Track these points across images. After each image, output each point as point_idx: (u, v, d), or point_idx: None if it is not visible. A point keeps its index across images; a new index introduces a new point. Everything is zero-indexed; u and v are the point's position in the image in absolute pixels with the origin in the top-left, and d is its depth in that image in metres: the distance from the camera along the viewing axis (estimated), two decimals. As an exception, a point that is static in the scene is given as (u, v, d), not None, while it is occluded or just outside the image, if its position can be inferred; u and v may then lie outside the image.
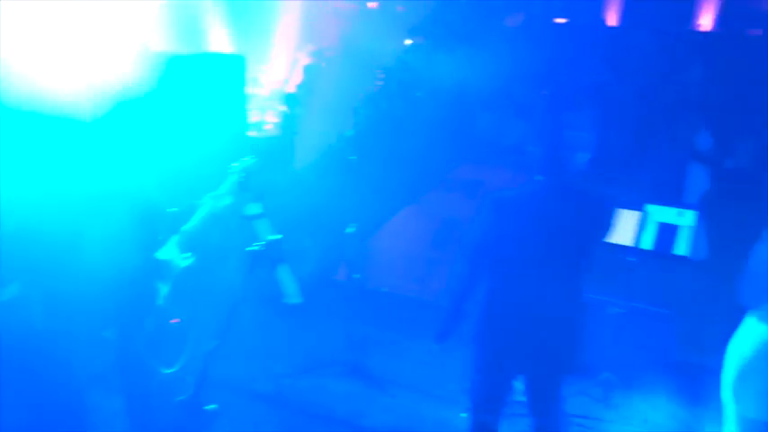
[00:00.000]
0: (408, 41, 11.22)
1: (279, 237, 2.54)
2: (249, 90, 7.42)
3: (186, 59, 4.65)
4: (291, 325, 4.39)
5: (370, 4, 11.07)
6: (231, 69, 4.81)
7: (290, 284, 2.71)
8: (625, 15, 11.16)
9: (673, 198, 5.03)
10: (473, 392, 2.77)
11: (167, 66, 4.38)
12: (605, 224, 2.54)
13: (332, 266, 4.87)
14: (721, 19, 10.55)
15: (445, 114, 8.48)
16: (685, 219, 3.39)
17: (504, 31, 11.06)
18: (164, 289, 3.34)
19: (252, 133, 7.09)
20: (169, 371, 3.56)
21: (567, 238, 2.48)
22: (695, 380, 3.89)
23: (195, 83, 4.46)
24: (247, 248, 2.48)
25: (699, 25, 11.24)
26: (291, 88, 7.69)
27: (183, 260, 3.18)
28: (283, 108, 7.02)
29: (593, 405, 3.80)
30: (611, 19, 11.43)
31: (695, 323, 4.45)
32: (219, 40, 7.35)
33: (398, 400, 3.79)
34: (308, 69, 7.96)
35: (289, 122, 6.76)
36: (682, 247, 3.35)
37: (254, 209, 2.91)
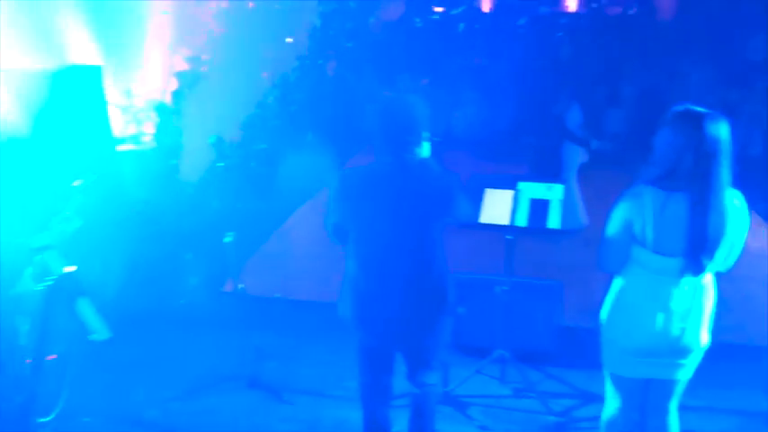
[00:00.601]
0: (289, 39, 11.06)
1: (72, 269, 2.31)
2: (121, 102, 7.05)
3: (38, 75, 4.33)
4: (177, 343, 4.19)
5: (249, 4, 10.81)
6: (87, 81, 4.50)
7: (92, 319, 2.51)
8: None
9: (542, 174, 5.23)
10: (359, 379, 2.83)
11: (20, 83, 4.06)
12: (451, 203, 2.59)
13: (216, 278, 4.70)
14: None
15: (331, 111, 8.46)
16: (555, 192, 3.49)
17: (381, 25, 11.16)
18: (24, 325, 3.07)
19: (129, 146, 6.75)
20: (46, 419, 3.30)
21: (413, 216, 2.54)
22: (584, 346, 4.06)
23: (49, 99, 4.16)
24: (39, 285, 2.25)
25: (566, 6, 11.79)
26: (166, 97, 7.37)
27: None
28: (158, 118, 6.70)
29: (489, 383, 3.87)
30: (485, 5, 11.77)
31: (577, 290, 4.65)
32: (86, 52, 6.93)
33: (298, 407, 3.70)
34: (182, 76, 7.64)
35: (164, 132, 6.46)
36: (554, 220, 3.45)
37: (40, 240, 2.63)
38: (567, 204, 3.83)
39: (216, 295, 4.74)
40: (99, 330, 2.55)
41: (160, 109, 6.87)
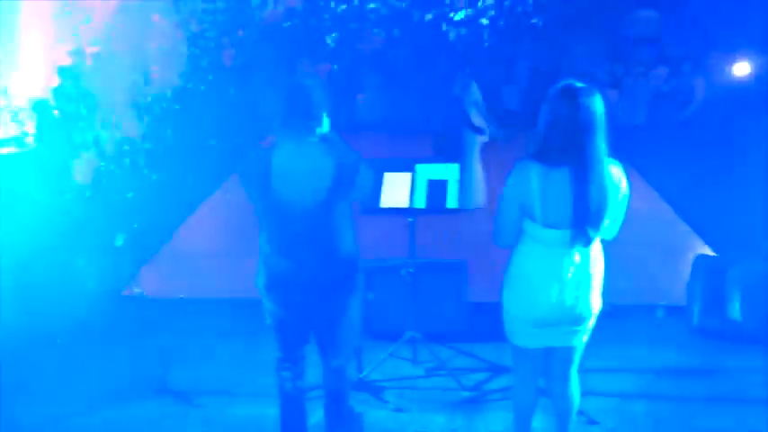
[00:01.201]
0: (180, 35, 10.61)
1: None
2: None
3: None
4: (75, 354, 3.97)
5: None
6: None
7: None
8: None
9: (444, 154, 5.31)
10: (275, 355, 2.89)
11: None
12: (354, 179, 2.64)
13: (113, 282, 4.47)
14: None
15: (229, 101, 8.25)
16: (451, 172, 3.54)
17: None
18: None
19: (10, 149, 6.30)
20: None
21: (316, 194, 2.60)
22: (491, 320, 4.17)
23: None
24: None
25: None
26: (47, 93, 6.90)
27: None
28: (40, 117, 6.27)
29: (402, 365, 3.90)
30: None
31: (481, 267, 4.76)
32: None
33: (210, 409, 3.58)
34: (63, 71, 7.17)
35: (47, 132, 6.05)
36: (452, 200, 3.50)
37: None
38: (466, 183, 3.89)
39: (114, 300, 4.51)
40: None
41: (41, 107, 6.43)
